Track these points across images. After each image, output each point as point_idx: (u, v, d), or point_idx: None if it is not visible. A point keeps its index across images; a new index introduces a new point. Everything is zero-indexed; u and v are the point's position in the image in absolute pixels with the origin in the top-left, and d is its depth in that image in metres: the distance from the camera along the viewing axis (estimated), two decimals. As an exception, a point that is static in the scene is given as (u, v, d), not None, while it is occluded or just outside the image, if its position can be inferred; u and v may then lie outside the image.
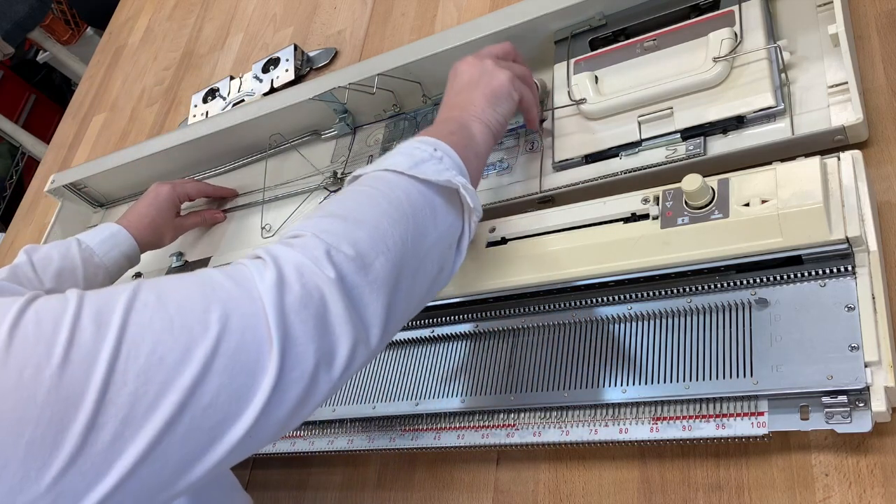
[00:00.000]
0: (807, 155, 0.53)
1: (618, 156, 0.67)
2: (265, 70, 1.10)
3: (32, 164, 2.49)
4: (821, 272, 0.51)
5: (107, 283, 0.79)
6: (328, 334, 0.42)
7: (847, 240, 0.50)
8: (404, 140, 0.55)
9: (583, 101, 0.69)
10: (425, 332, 0.66)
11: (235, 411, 0.38)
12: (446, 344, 0.65)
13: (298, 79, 1.07)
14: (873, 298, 0.48)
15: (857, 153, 0.53)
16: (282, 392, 0.40)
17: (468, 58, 0.65)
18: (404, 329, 0.68)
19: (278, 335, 0.39)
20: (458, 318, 0.65)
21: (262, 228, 0.90)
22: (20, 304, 0.36)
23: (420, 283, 0.49)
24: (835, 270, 0.51)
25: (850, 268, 0.50)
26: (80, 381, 0.35)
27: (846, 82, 0.57)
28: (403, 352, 0.67)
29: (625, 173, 0.65)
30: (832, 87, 0.59)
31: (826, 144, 0.57)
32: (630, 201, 0.57)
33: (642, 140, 0.66)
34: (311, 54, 1.09)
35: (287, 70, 1.08)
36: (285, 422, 0.41)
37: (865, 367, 0.46)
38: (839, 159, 0.52)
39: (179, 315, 0.38)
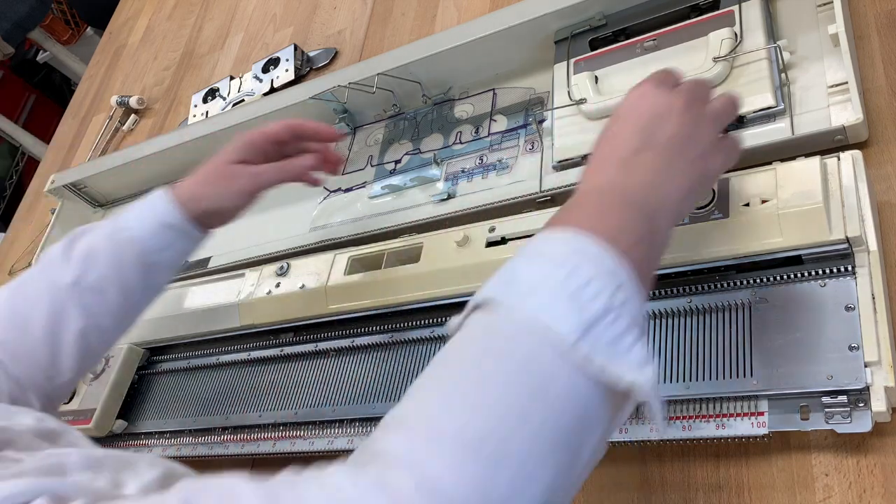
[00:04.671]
0: (807, 155, 0.53)
1: (618, 156, 0.67)
2: (265, 70, 1.10)
3: (32, 164, 2.49)
4: (821, 272, 0.51)
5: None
6: None
7: (847, 240, 0.50)
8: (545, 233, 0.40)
9: (583, 101, 0.69)
10: (425, 333, 0.66)
11: None
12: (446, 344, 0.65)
13: (298, 79, 1.07)
14: (873, 298, 0.48)
15: (857, 153, 0.53)
16: None
17: (666, 92, 0.44)
18: (403, 329, 0.68)
19: None
20: (458, 318, 0.65)
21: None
22: None
23: None
24: (835, 270, 0.51)
25: (850, 268, 0.50)
26: None
27: (846, 82, 0.57)
28: (403, 352, 0.67)
29: (625, 173, 0.65)
30: (832, 87, 0.59)
31: (826, 144, 0.57)
32: (630, 201, 0.57)
33: (642, 140, 0.65)
34: (311, 54, 1.09)
35: (287, 70, 1.08)
36: None
37: (865, 367, 0.46)
38: (839, 159, 0.52)
39: None
